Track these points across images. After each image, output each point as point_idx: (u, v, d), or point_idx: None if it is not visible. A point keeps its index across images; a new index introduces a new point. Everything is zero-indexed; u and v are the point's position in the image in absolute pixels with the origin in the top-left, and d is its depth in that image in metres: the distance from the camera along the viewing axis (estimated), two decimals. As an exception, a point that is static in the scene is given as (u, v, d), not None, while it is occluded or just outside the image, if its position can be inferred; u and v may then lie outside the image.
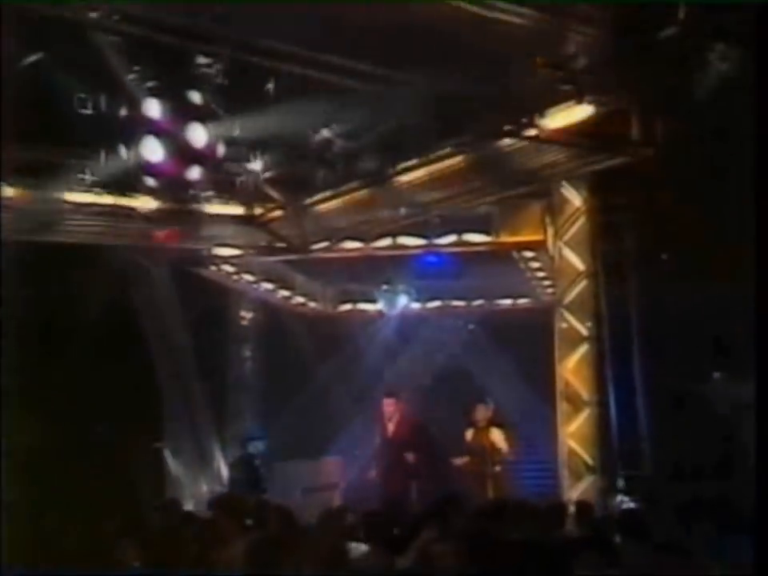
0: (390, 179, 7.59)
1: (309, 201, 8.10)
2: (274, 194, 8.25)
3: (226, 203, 8.48)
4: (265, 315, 14.84)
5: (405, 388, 14.29)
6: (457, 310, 15.07)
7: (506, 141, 6.71)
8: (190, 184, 6.89)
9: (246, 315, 14.84)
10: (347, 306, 15.36)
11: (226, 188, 8.07)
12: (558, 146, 6.47)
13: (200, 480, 12.83)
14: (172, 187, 6.99)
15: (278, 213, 8.56)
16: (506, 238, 10.54)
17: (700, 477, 10.58)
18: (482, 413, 11.96)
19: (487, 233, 10.56)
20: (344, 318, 15.36)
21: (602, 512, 9.76)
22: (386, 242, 10.77)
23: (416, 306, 14.92)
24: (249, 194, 8.15)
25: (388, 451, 12.13)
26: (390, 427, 12.21)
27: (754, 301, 5.22)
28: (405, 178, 7.76)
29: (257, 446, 11.87)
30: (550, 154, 6.76)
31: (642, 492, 10.65)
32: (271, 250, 10.55)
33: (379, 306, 14.75)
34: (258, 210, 8.50)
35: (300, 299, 14.59)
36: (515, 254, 11.47)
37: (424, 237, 10.73)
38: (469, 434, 11.92)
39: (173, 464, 12.46)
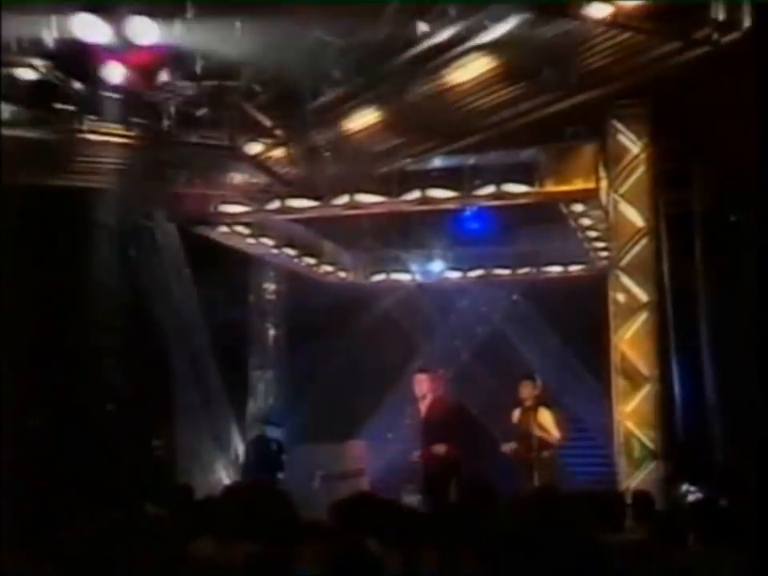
0: (409, 85, 6.17)
1: (309, 129, 6.75)
2: (266, 121, 6.91)
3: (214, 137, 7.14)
4: (289, 286, 13.68)
5: (442, 364, 13.12)
6: (500, 278, 13.71)
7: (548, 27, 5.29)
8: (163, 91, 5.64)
9: (268, 285, 13.65)
10: (380, 276, 14.08)
11: (209, 118, 6.78)
12: (613, 31, 5.07)
13: (215, 464, 11.68)
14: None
15: (276, 148, 7.22)
16: (551, 188, 9.15)
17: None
18: (528, 390, 10.58)
19: (530, 183, 9.18)
20: (376, 289, 14.12)
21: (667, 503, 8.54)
22: (414, 195, 9.42)
23: (455, 274, 13.69)
24: (237, 123, 6.82)
25: (422, 435, 10.72)
26: (423, 407, 10.78)
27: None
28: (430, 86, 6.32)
29: (274, 430, 10.68)
30: (604, 46, 5.36)
31: (711, 480, 9.37)
32: (282, 206, 9.28)
33: (413, 273, 13.56)
34: (252, 146, 7.15)
35: (328, 268, 13.34)
36: (564, 209, 10.07)
37: (457, 189, 9.37)
38: (516, 415, 10.56)
39: (185, 446, 11.30)
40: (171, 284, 10.91)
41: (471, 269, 13.69)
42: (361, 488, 10.85)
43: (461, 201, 9.49)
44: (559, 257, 13.26)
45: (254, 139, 7.12)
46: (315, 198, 9.09)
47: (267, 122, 6.79)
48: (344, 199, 9.50)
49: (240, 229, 10.77)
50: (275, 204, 9.65)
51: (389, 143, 7.37)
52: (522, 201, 9.36)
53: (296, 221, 11.58)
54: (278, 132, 6.96)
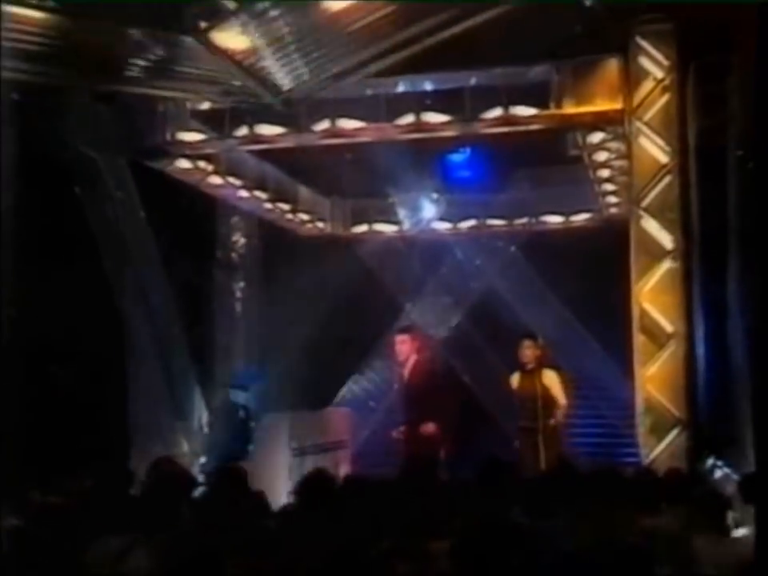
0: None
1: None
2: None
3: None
4: (260, 238, 12.27)
5: (431, 325, 11.87)
6: (494, 229, 12.45)
7: None
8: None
9: (237, 238, 12.23)
10: (362, 227, 12.74)
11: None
12: None
13: (175, 434, 10.31)
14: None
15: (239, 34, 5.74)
16: (570, 109, 7.78)
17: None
18: (529, 351, 9.24)
19: (544, 104, 7.80)
20: (358, 241, 12.83)
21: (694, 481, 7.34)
22: (407, 119, 8.03)
23: (445, 225, 12.36)
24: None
25: (404, 403, 9.43)
26: (406, 372, 9.42)
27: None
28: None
29: (241, 396, 9.34)
30: None
31: (742, 453, 8.17)
32: (251, 133, 7.87)
33: (399, 223, 12.21)
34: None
35: (304, 216, 11.96)
36: (579, 141, 8.71)
37: (457, 113, 7.98)
38: (515, 379, 9.26)
39: (140, 414, 9.91)
40: (123, 229, 9.46)
41: (462, 219, 12.40)
42: (341, 462, 9.59)
43: (461, 127, 8.09)
44: (561, 205, 12.06)
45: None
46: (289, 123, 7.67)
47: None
48: (323, 125, 8.11)
49: (203, 165, 9.34)
50: (242, 131, 8.25)
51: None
52: (534, 126, 7.98)
53: (268, 159, 10.31)
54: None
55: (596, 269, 11.02)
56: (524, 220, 12.22)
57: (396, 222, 12.43)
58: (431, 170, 11.39)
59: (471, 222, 12.36)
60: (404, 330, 9.82)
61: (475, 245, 12.71)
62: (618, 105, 7.86)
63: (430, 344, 10.16)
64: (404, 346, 9.38)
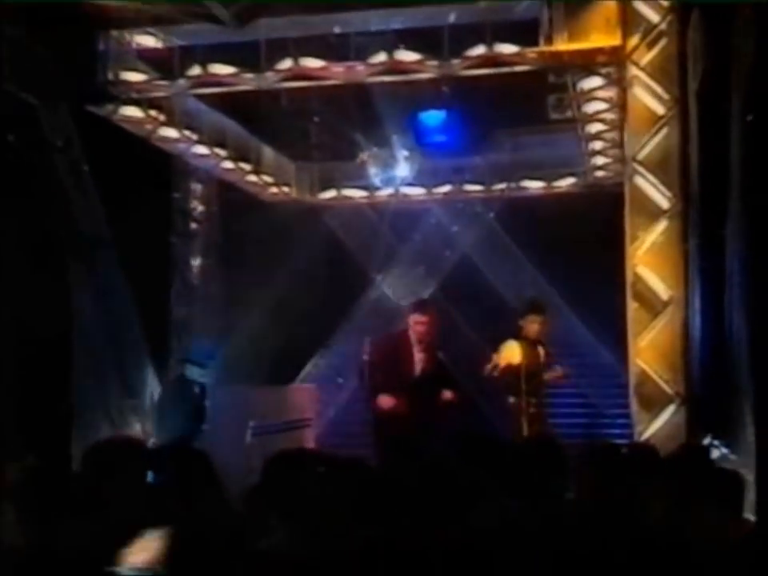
0: None
1: None
2: None
3: None
4: (220, 201, 11.44)
5: (403, 297, 11.13)
6: (471, 195, 11.65)
7: None
8: None
9: (196, 205, 11.38)
10: (330, 193, 11.92)
11: None
12: None
13: (125, 412, 9.47)
14: None
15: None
16: (562, 46, 6.96)
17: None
18: (537, 326, 8.46)
19: (532, 41, 7.00)
20: (326, 208, 12.02)
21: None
22: (378, 58, 7.21)
23: (418, 191, 11.56)
24: None
25: (415, 387, 7.98)
26: (419, 355, 8.03)
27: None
28: None
29: (196, 371, 8.51)
30: None
31: (742, 430, 7.51)
32: (205, 72, 7.02)
33: (369, 188, 11.37)
34: None
35: (267, 179, 11.13)
36: (571, 89, 7.93)
37: (434, 52, 7.17)
38: (505, 351, 8.46)
39: (87, 391, 9.05)
40: (65, 185, 8.55)
41: (437, 184, 11.59)
42: (305, 442, 8.80)
43: (439, 67, 7.26)
44: (542, 169, 11.29)
45: None
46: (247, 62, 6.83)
47: None
48: (286, 64, 7.27)
49: (154, 113, 8.44)
50: (195, 70, 7.38)
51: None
52: (521, 66, 7.16)
53: (228, 114, 9.49)
54: None
55: (579, 237, 10.42)
56: (503, 185, 11.44)
57: (366, 188, 11.60)
58: (404, 131, 10.62)
59: (446, 188, 11.57)
60: (422, 308, 8.28)
61: (450, 211, 12.01)
62: (617, 41, 7.05)
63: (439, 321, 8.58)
64: (423, 328, 7.95)
